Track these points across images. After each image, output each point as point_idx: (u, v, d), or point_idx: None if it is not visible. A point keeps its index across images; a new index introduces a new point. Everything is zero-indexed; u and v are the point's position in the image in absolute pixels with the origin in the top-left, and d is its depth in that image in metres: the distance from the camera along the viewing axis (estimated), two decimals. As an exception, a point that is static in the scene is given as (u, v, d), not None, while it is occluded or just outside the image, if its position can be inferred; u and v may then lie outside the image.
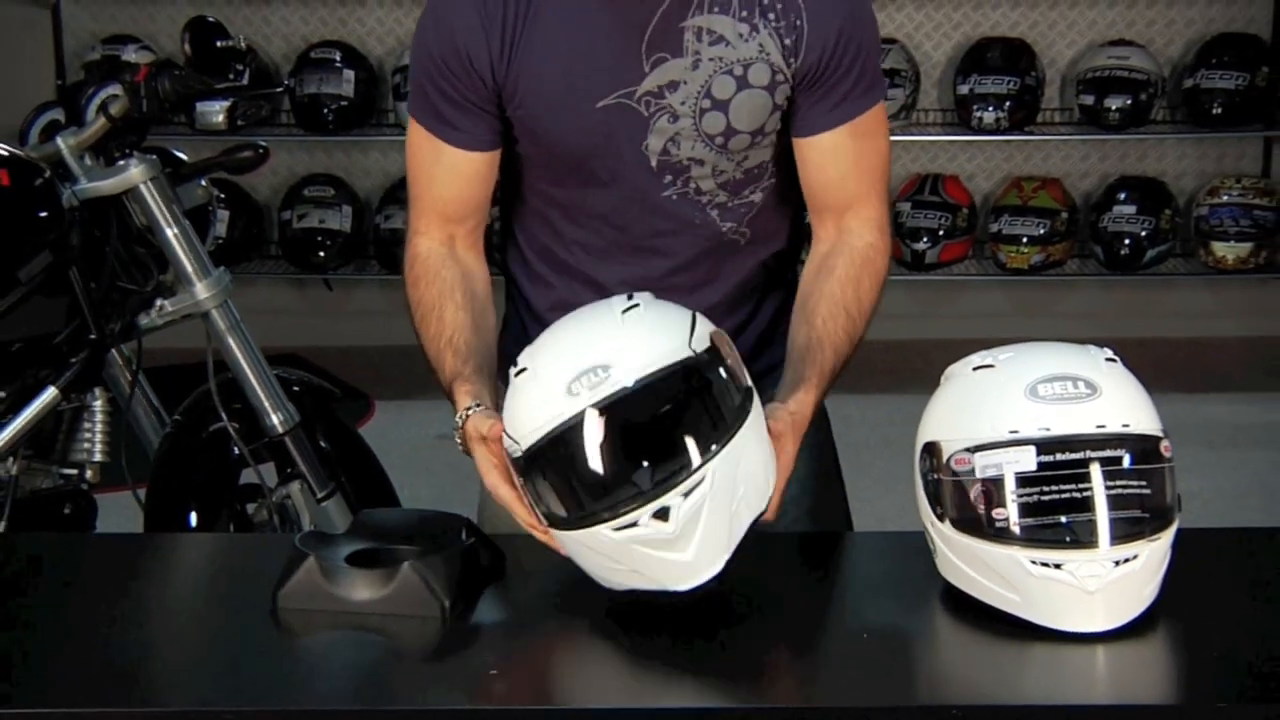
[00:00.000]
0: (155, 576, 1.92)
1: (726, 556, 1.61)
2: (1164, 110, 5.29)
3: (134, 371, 2.91)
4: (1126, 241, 5.21)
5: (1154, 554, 1.60)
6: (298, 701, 1.55)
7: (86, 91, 2.88)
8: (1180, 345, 5.46)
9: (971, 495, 1.61)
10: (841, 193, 1.97)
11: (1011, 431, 1.59)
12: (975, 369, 1.67)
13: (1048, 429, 1.58)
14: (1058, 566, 1.57)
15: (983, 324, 5.34)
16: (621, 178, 1.96)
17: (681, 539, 1.59)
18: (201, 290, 2.84)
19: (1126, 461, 1.58)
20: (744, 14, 1.89)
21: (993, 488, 1.59)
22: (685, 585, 1.61)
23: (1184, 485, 1.64)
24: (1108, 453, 1.58)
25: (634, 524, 1.58)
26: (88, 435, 2.89)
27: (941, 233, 5.26)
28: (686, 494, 1.58)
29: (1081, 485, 1.57)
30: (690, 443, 1.59)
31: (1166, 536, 1.61)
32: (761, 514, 1.66)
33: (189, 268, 2.83)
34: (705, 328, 1.66)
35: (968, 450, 1.61)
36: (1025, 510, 1.58)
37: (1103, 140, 5.37)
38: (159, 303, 2.83)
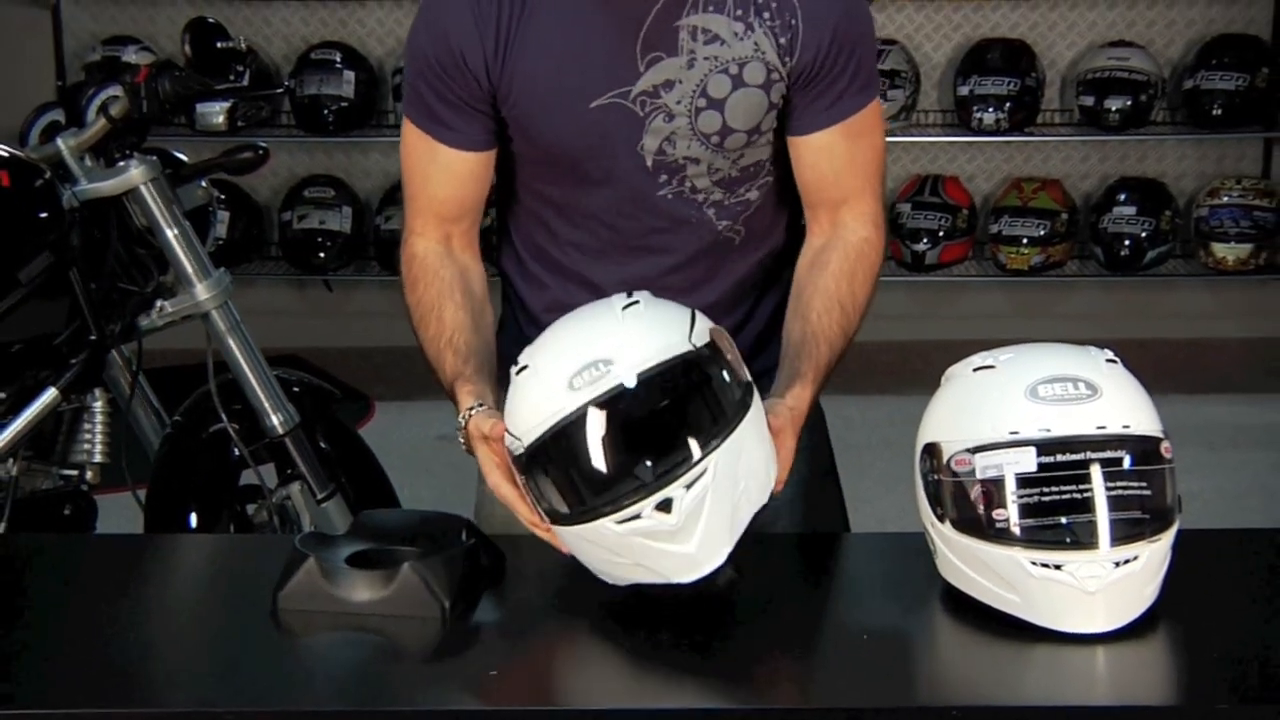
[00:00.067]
0: (155, 577, 1.92)
1: (729, 549, 1.62)
2: (1164, 111, 5.29)
3: (134, 372, 2.91)
4: (1126, 242, 5.20)
5: (1154, 555, 1.60)
6: (298, 702, 1.55)
7: (87, 92, 2.88)
8: (1180, 346, 5.46)
9: (972, 496, 1.61)
10: (836, 189, 1.98)
11: (1012, 432, 1.59)
12: (975, 370, 1.68)
13: (1048, 430, 1.58)
14: (1058, 567, 1.57)
15: (983, 325, 5.34)
16: (617, 177, 1.96)
17: (684, 531, 1.59)
18: (202, 291, 2.84)
19: (1127, 462, 1.59)
20: (739, 13, 1.89)
21: (993, 488, 1.60)
22: (688, 577, 1.62)
23: (1184, 486, 1.64)
24: (1108, 454, 1.58)
25: (637, 516, 1.59)
26: (88, 436, 2.89)
27: (941, 234, 5.26)
28: (689, 486, 1.59)
29: (1082, 486, 1.57)
30: (692, 435, 1.60)
31: (1167, 538, 1.61)
32: (763, 507, 1.67)
33: (189, 269, 2.83)
34: (704, 324, 1.67)
35: (968, 451, 1.61)
36: (1025, 511, 1.58)
37: (1103, 141, 5.37)
38: (159, 304, 2.83)
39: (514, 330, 2.10)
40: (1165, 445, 1.62)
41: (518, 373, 1.67)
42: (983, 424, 1.61)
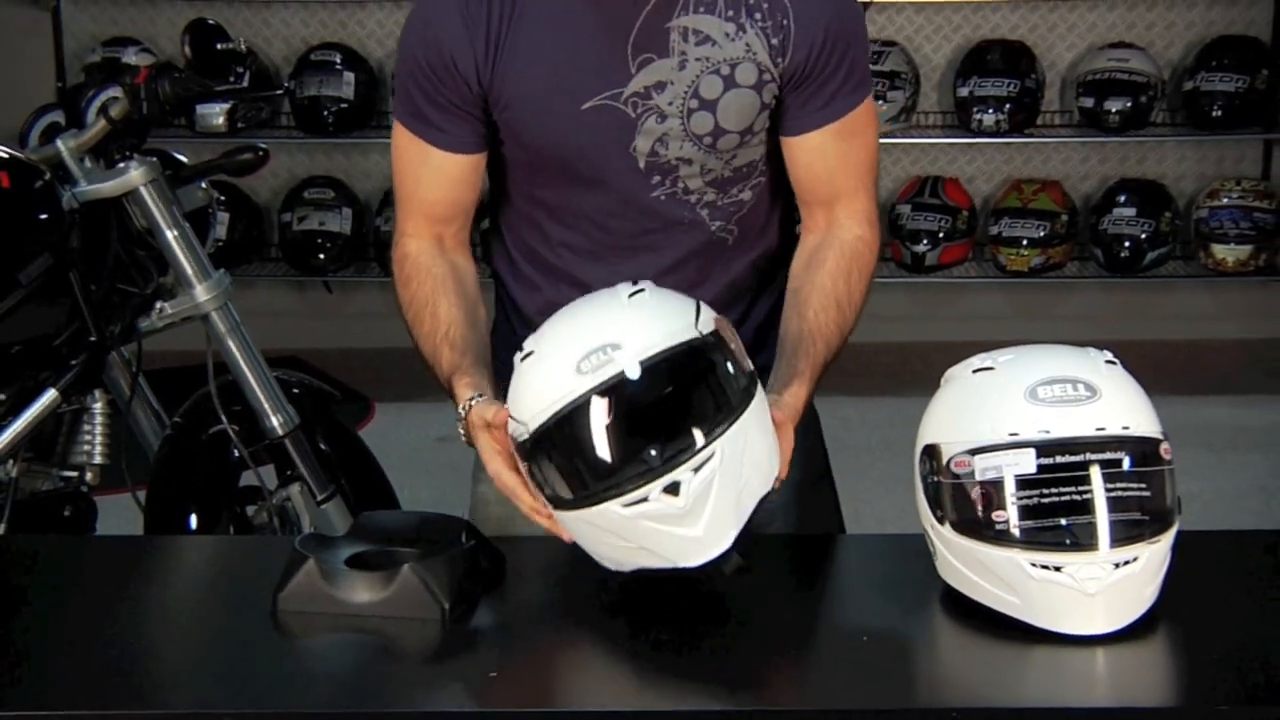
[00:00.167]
0: (155, 579, 1.92)
1: (735, 532, 1.63)
2: (1164, 113, 5.29)
3: (134, 374, 2.91)
4: (1126, 244, 5.21)
5: (1154, 556, 1.60)
6: (297, 704, 1.55)
7: (87, 94, 2.88)
8: (1180, 348, 5.46)
9: (971, 497, 1.61)
10: (830, 188, 1.98)
11: (1011, 434, 1.59)
12: (975, 371, 1.68)
13: (1047, 431, 1.58)
14: (1058, 569, 1.57)
15: (983, 326, 5.34)
16: (609, 179, 1.96)
17: (692, 514, 1.60)
18: (201, 292, 2.84)
19: (1126, 464, 1.59)
20: (730, 14, 1.89)
21: (992, 490, 1.60)
22: (695, 561, 1.62)
23: (1184, 487, 1.65)
24: (1108, 455, 1.58)
25: (644, 499, 1.59)
26: (88, 437, 2.89)
27: (941, 235, 5.26)
28: (697, 469, 1.60)
29: (1081, 488, 1.57)
30: (700, 420, 1.61)
31: (1166, 539, 1.61)
32: (767, 495, 1.67)
33: (189, 270, 2.83)
34: (709, 314, 1.68)
35: (968, 453, 1.61)
36: (1025, 513, 1.58)
37: (1102, 143, 5.37)
38: (159, 305, 2.83)
39: (506, 332, 2.09)
40: (1165, 446, 1.62)
41: (523, 359, 1.67)
42: (982, 425, 1.61)
